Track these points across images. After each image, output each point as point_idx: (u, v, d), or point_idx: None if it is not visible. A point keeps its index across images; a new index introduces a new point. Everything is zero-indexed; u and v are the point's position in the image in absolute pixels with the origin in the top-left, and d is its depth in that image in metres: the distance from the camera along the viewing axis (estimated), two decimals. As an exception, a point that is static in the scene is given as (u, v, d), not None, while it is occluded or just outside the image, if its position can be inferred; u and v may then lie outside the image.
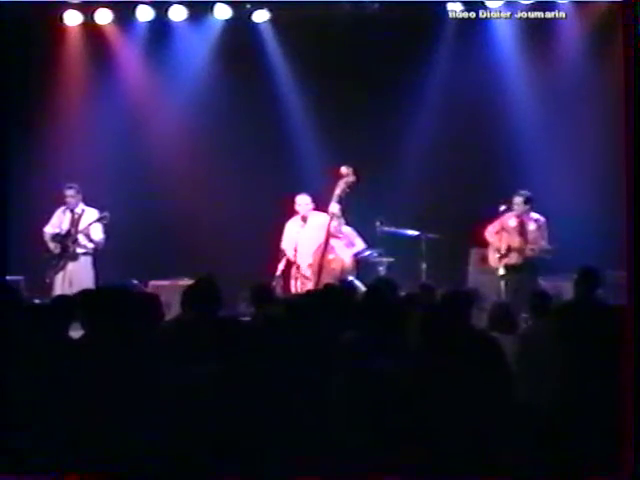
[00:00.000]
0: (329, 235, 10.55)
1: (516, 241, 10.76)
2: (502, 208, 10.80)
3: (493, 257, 10.82)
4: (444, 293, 6.26)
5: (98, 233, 10.91)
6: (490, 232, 10.89)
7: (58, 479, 4.95)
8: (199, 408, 5.17)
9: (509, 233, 10.80)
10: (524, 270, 10.57)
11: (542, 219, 10.85)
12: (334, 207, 10.59)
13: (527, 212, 10.84)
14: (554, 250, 10.56)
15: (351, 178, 10.60)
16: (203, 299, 6.07)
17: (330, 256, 10.53)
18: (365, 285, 9.03)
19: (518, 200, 10.79)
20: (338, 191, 10.61)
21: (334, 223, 10.61)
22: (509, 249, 10.73)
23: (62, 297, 6.59)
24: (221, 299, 6.15)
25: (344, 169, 10.65)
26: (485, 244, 10.95)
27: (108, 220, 10.79)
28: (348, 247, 10.77)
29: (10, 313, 5.77)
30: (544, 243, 10.70)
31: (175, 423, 5.09)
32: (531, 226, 10.84)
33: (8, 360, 5.27)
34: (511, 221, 10.86)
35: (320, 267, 10.42)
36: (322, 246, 10.52)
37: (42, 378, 5.24)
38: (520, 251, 10.70)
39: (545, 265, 10.59)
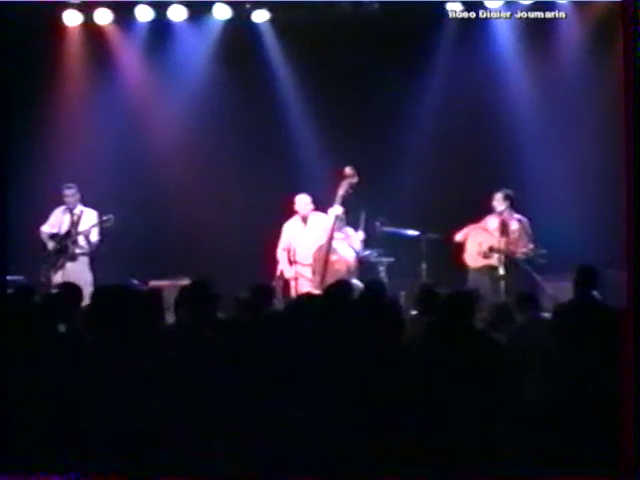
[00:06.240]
0: (332, 236, 10.53)
1: (499, 242, 10.71)
2: (501, 208, 10.80)
3: (470, 257, 10.79)
4: (447, 294, 6.25)
5: (95, 235, 10.96)
6: (465, 232, 10.84)
7: (59, 479, 4.95)
8: (198, 408, 5.17)
9: (490, 234, 10.75)
10: (513, 270, 10.54)
11: (524, 219, 10.81)
12: (337, 209, 10.57)
13: (508, 211, 10.81)
14: (542, 254, 10.52)
15: (354, 179, 10.58)
16: (198, 300, 6.08)
17: (334, 257, 10.50)
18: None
19: (498, 197, 10.77)
20: (341, 192, 10.58)
21: (336, 225, 10.59)
22: (492, 249, 10.68)
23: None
24: (216, 300, 6.17)
25: (348, 170, 10.62)
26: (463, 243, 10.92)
27: (111, 223, 10.83)
28: (350, 247, 10.78)
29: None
30: (531, 245, 10.65)
31: (174, 422, 5.09)
32: (513, 226, 10.80)
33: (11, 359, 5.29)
34: (492, 222, 10.83)
35: (324, 268, 10.40)
36: (325, 247, 10.49)
37: (43, 378, 5.24)
38: (504, 251, 10.63)
39: (542, 265, 10.57)
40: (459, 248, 10.90)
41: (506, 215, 10.80)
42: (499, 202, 10.77)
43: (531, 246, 10.62)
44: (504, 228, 10.74)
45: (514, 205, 10.81)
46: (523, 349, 6.38)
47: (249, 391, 5.23)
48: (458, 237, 10.81)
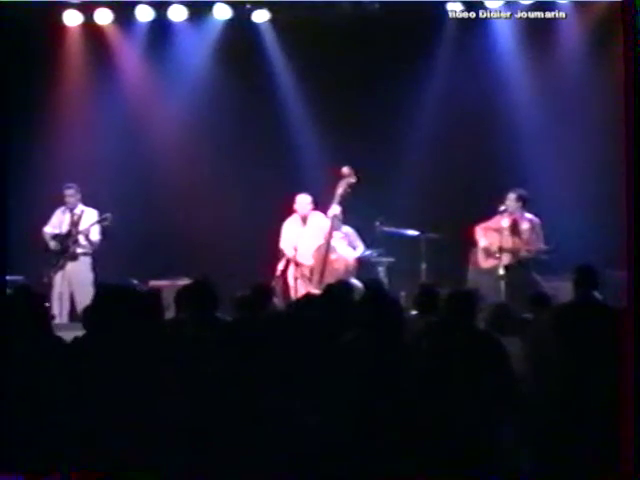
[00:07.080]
0: (331, 235, 10.55)
1: (509, 241, 10.66)
2: (502, 208, 10.76)
3: (482, 257, 10.76)
4: (448, 294, 6.26)
5: (95, 234, 10.98)
6: (479, 232, 10.82)
7: (59, 479, 4.95)
8: (197, 408, 5.17)
9: (501, 233, 10.71)
10: (519, 270, 10.50)
11: (536, 219, 10.75)
12: (335, 209, 10.59)
13: (520, 211, 10.76)
14: (550, 250, 10.50)
15: (352, 179, 10.60)
16: (199, 300, 6.10)
17: (333, 256, 10.52)
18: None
19: (511, 197, 10.71)
20: (340, 191, 10.60)
21: (335, 225, 10.60)
22: (501, 249, 10.64)
23: None
24: (217, 299, 6.18)
25: (346, 169, 10.64)
26: (476, 244, 10.89)
27: (110, 221, 10.84)
28: (350, 247, 10.79)
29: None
30: (540, 244, 10.63)
31: (173, 422, 5.09)
32: (524, 225, 10.74)
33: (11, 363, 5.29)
34: (504, 221, 10.77)
35: (323, 267, 10.41)
36: (324, 246, 10.51)
37: (43, 378, 5.24)
38: (514, 252, 10.59)
39: (543, 265, 10.55)
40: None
41: (517, 215, 10.75)
42: (512, 202, 10.69)
43: (540, 245, 10.61)
44: (515, 228, 10.71)
45: (526, 205, 10.75)
46: (533, 350, 6.38)
47: (249, 390, 5.24)
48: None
